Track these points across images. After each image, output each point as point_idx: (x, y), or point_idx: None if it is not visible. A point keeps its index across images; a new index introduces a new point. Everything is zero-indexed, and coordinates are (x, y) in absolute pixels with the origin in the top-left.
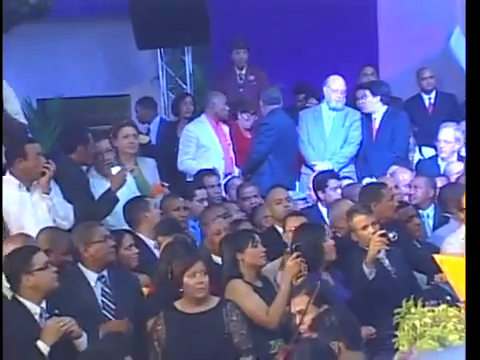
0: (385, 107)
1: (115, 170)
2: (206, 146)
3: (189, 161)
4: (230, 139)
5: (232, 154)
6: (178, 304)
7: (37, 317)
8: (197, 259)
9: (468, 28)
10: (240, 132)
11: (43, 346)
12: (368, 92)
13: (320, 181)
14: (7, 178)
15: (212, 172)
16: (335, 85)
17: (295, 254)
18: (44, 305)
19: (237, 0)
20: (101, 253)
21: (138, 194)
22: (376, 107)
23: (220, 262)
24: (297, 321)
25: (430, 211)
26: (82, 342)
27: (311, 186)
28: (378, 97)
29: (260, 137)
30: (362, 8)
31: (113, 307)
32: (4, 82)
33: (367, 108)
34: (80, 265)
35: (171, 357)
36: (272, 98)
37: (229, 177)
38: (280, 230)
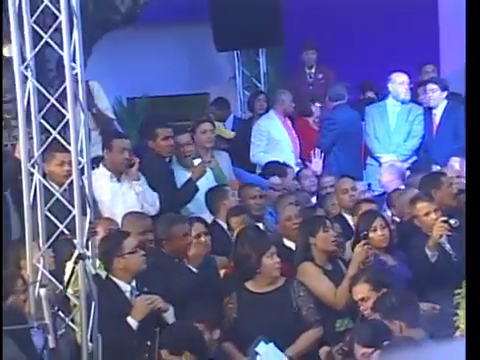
0: (445, 102)
1: (196, 162)
2: (277, 140)
3: (261, 154)
4: (295, 133)
5: (299, 147)
6: (249, 285)
7: (128, 295)
8: (271, 243)
9: (468, 28)
10: (309, 126)
11: (132, 321)
12: (436, 86)
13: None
14: (100, 170)
15: (284, 164)
16: (400, 79)
17: (363, 241)
18: (134, 284)
19: (307, 5)
20: (181, 249)
21: (216, 184)
22: (441, 101)
23: (291, 245)
24: (360, 307)
25: None
26: (169, 315)
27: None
28: (445, 92)
29: (324, 131)
30: (424, 8)
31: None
32: (95, 82)
33: (434, 102)
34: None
35: (242, 333)
36: (337, 94)
37: (299, 168)
38: (346, 217)
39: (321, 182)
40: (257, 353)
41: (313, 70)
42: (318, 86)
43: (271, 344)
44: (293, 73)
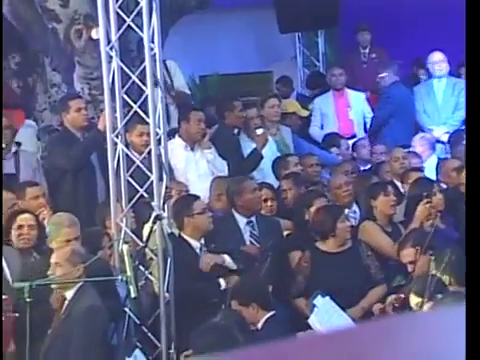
0: None
1: (259, 131)
2: (326, 114)
3: (315, 128)
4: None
5: (353, 118)
6: (320, 245)
7: (198, 250)
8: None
9: (468, 27)
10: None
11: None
12: None
13: (457, 138)
14: (176, 140)
15: (339, 135)
16: (434, 58)
17: (425, 200)
18: (203, 241)
19: None
20: (251, 203)
21: (278, 154)
22: None
23: None
24: (409, 269)
25: None
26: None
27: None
28: None
29: (380, 105)
30: None
31: (258, 246)
32: (172, 61)
33: None
34: (233, 211)
35: (316, 288)
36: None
37: (356, 139)
38: (397, 183)
39: (373, 150)
40: (315, 306)
41: (367, 50)
42: (372, 65)
43: (327, 297)
44: (348, 53)
